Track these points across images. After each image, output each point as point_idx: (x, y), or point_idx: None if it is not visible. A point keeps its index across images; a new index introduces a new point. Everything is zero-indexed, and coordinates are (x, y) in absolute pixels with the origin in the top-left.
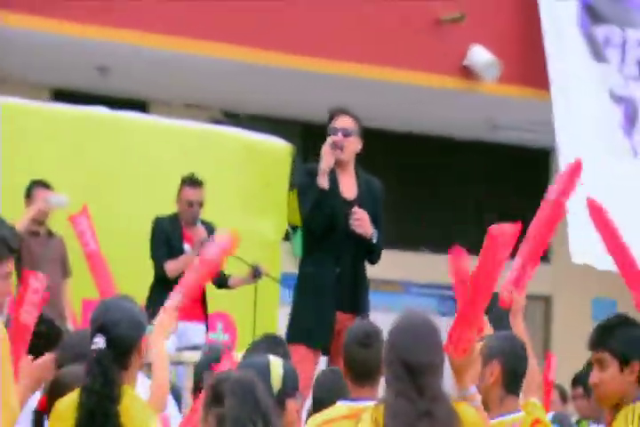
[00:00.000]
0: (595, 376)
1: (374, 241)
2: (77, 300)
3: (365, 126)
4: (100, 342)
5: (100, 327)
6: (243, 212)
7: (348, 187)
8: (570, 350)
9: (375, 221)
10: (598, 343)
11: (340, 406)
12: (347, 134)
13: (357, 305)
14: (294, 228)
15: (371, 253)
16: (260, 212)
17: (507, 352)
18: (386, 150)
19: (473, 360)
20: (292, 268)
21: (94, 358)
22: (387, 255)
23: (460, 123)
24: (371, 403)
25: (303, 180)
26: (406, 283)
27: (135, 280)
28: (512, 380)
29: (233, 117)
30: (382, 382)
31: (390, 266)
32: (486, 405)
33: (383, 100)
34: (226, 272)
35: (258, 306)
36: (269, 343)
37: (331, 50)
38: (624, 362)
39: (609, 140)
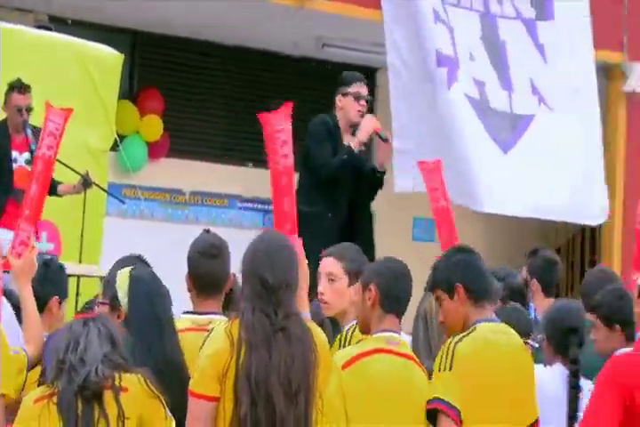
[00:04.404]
0: (440, 314)
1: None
2: None
3: (199, 39)
4: None
5: None
6: (71, 120)
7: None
8: None
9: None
10: (429, 285)
11: (185, 319)
12: (367, 101)
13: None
14: (122, 138)
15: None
16: (88, 121)
17: (382, 275)
18: (217, 64)
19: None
20: (117, 178)
21: None
22: (212, 169)
23: (289, 39)
24: (216, 316)
25: (318, 128)
26: (231, 197)
27: None
28: (389, 300)
29: (60, 23)
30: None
31: (215, 180)
32: (368, 326)
33: (215, 15)
34: (56, 179)
35: (85, 216)
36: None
37: None
38: (449, 289)
39: (427, 67)
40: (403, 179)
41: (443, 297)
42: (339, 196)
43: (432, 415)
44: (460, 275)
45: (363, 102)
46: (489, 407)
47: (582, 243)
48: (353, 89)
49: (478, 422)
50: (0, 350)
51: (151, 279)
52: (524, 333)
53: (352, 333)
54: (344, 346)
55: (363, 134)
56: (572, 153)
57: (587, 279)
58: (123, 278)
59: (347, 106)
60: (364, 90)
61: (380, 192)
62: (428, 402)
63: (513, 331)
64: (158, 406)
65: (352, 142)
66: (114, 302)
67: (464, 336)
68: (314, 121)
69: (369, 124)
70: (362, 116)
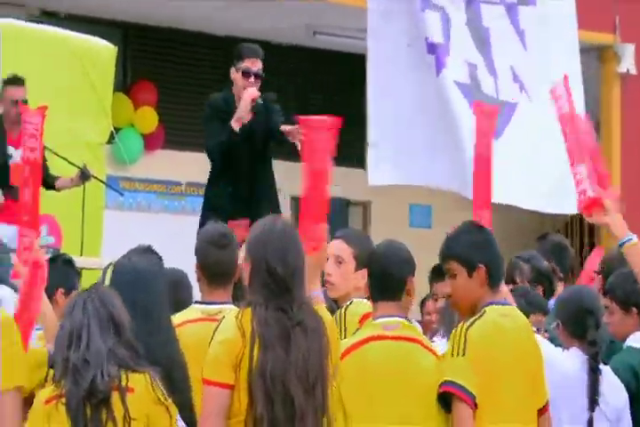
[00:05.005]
0: (447, 286)
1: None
2: None
3: (188, 30)
4: None
5: None
6: (67, 113)
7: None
8: None
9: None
10: (445, 254)
11: (195, 309)
12: (258, 76)
13: (250, 213)
14: (117, 130)
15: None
16: (84, 114)
17: (372, 261)
18: (209, 55)
19: (322, 260)
20: (114, 171)
21: None
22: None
23: (280, 28)
24: (226, 306)
25: (206, 112)
26: None
27: None
28: (378, 287)
29: (52, 16)
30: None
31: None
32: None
33: (206, 6)
34: (53, 173)
35: (85, 209)
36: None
37: None
38: (470, 267)
39: (418, 53)
40: (376, 172)
41: (458, 272)
42: (236, 168)
43: (444, 400)
44: (484, 255)
45: (252, 79)
46: (501, 393)
47: (581, 225)
48: (243, 64)
49: (492, 409)
50: (14, 342)
51: (137, 269)
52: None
53: (345, 310)
54: (341, 325)
55: (240, 110)
56: (551, 143)
57: (608, 260)
58: (110, 268)
59: (236, 81)
60: (255, 65)
61: None
62: (441, 385)
63: (520, 313)
64: (164, 413)
65: (233, 122)
66: None
67: (475, 320)
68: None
69: (247, 97)
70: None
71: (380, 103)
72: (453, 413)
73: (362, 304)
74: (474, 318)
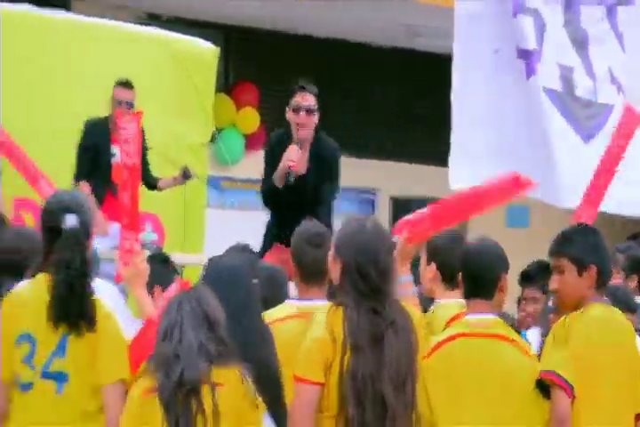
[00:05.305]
0: (554, 282)
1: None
2: (9, 199)
3: (286, 31)
4: (73, 219)
5: (67, 208)
6: (170, 114)
7: (302, 162)
8: None
9: (329, 178)
10: (557, 250)
11: (290, 306)
12: (310, 112)
13: None
14: (219, 131)
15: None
16: (186, 114)
17: (465, 259)
18: (305, 55)
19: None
20: (217, 171)
21: (72, 235)
22: None
23: (379, 30)
24: (319, 303)
25: (266, 152)
26: None
27: (65, 181)
28: (471, 285)
29: (155, 19)
30: None
31: None
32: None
33: (306, 7)
34: (155, 174)
35: (186, 207)
36: (238, 250)
37: None
38: (581, 267)
39: (507, 58)
40: (458, 174)
41: (568, 269)
42: (281, 215)
43: (542, 388)
44: (597, 256)
45: (302, 114)
46: (600, 392)
47: None
48: (293, 100)
49: (590, 408)
50: (116, 336)
51: (229, 268)
52: None
53: (432, 315)
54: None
55: (278, 172)
56: None
57: None
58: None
59: (289, 119)
60: (306, 100)
61: None
62: (542, 372)
63: (622, 315)
64: (252, 409)
65: (275, 180)
66: None
67: (578, 315)
68: None
69: (286, 157)
70: (304, 129)
71: (463, 106)
72: (552, 401)
73: (449, 307)
74: (577, 312)
